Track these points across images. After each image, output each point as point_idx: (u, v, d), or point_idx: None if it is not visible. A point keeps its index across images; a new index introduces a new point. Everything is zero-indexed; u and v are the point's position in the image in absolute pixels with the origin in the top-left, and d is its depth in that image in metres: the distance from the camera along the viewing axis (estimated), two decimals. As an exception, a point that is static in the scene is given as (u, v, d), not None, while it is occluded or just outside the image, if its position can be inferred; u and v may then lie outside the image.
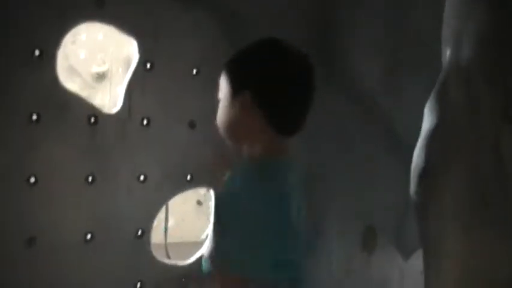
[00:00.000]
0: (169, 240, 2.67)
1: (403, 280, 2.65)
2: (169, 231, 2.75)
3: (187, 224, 3.28)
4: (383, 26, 2.51)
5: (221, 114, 1.63)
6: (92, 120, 1.95)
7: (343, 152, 2.48)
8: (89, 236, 2.00)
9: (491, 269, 1.94)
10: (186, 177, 2.14)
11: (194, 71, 2.13)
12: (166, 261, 2.18)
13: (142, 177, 2.06)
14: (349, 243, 2.53)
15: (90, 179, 1.97)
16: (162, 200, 2.14)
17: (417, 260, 2.49)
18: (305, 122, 1.67)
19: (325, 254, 2.48)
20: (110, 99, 3.13)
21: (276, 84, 1.59)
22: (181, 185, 2.15)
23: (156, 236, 2.28)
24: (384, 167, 2.55)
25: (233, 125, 1.62)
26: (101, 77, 3.28)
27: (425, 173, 2.01)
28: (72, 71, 2.40)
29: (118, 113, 2.02)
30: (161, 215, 2.38)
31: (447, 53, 2.02)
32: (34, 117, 1.86)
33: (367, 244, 2.58)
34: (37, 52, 1.85)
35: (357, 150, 2.51)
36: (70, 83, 2.04)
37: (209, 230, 2.18)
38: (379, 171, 2.54)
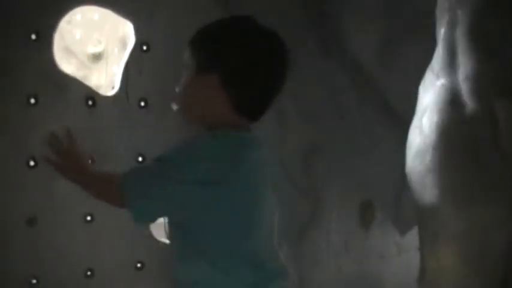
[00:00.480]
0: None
1: (400, 255, 2.69)
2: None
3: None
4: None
5: (182, 90, 1.53)
6: (90, 102, 1.96)
7: (340, 126, 2.49)
8: (89, 218, 2.02)
9: (485, 243, 1.96)
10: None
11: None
12: (166, 241, 2.20)
13: (140, 158, 2.08)
14: (347, 217, 2.56)
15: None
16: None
17: (414, 236, 2.52)
18: (270, 107, 1.58)
19: (322, 227, 2.51)
20: (106, 79, 3.12)
21: (245, 68, 1.52)
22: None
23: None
24: (381, 142, 2.56)
25: (195, 102, 1.53)
26: (96, 57, 3.28)
27: (420, 149, 2.03)
28: (68, 51, 2.40)
29: (115, 95, 2.03)
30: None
31: (441, 30, 2.03)
32: (32, 100, 1.87)
33: (364, 218, 2.61)
34: (34, 36, 1.85)
35: (354, 125, 2.52)
36: (66, 64, 2.04)
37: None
38: (376, 145, 2.56)
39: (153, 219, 1.55)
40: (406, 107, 2.19)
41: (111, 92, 2.03)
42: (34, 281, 1.94)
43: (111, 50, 3.13)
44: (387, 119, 2.57)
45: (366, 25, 2.50)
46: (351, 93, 2.52)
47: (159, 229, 2.46)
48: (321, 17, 2.45)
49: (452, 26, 1.98)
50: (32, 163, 1.90)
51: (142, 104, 2.06)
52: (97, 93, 1.99)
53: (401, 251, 2.68)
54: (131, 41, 2.06)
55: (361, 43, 2.52)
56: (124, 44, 2.20)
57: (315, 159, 2.46)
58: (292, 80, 2.33)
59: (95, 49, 3.18)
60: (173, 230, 1.55)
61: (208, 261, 1.48)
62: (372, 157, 2.57)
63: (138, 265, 2.11)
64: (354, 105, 2.52)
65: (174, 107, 1.54)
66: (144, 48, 2.04)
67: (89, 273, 2.04)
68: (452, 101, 1.98)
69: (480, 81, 1.94)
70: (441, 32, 2.01)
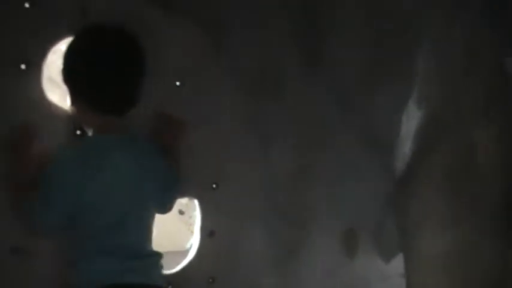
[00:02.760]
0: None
1: (385, 282, 2.69)
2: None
3: (169, 233, 3.28)
4: (365, 20, 2.53)
5: None
6: (78, 132, 1.96)
7: (325, 152, 2.51)
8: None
9: (470, 264, 1.99)
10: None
11: (177, 83, 2.14)
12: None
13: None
14: (331, 245, 2.56)
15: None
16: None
17: (398, 263, 2.54)
18: (131, 100, 1.82)
19: (308, 255, 2.50)
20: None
21: (74, 67, 1.77)
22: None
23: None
24: (364, 170, 2.58)
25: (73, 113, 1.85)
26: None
27: (404, 175, 2.07)
28: (52, 81, 2.40)
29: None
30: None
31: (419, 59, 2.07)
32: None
33: (348, 246, 2.62)
34: (23, 66, 1.86)
35: (339, 151, 2.54)
36: (50, 93, 2.05)
37: (193, 239, 2.21)
38: (359, 173, 2.58)
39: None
40: (390, 134, 2.23)
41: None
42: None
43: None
44: (371, 146, 2.59)
45: (351, 52, 2.53)
46: (337, 120, 2.54)
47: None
48: (306, 43, 2.47)
49: (431, 54, 2.04)
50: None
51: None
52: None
53: (386, 277, 2.68)
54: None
55: (346, 69, 2.54)
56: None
57: (299, 187, 2.47)
58: (278, 108, 2.38)
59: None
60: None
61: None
62: (355, 184, 2.59)
63: None
64: (338, 132, 2.54)
65: None
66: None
67: None
68: (434, 129, 2.03)
69: (460, 111, 2.00)
70: (420, 60, 2.06)
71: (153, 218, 1.95)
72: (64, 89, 2.10)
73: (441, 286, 2.05)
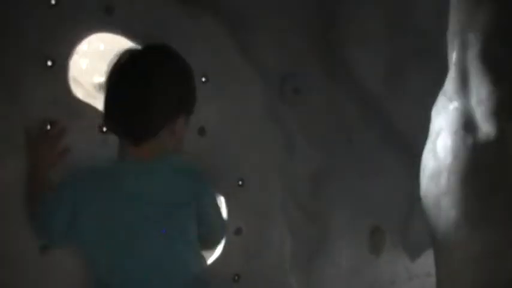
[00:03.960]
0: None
1: (411, 280, 2.67)
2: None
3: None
4: (386, 24, 2.53)
5: None
6: (104, 129, 1.95)
7: (348, 152, 2.50)
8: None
9: (500, 265, 1.96)
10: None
11: (203, 79, 2.14)
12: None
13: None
14: (356, 243, 2.54)
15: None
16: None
17: (424, 261, 2.51)
18: (153, 128, 1.70)
19: (332, 253, 2.49)
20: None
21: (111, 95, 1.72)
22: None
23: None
24: (389, 167, 2.57)
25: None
26: (102, 87, 3.28)
27: (434, 172, 2.03)
28: (75, 81, 2.41)
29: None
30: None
31: (453, 53, 2.05)
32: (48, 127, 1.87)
33: (374, 243, 2.60)
34: (49, 63, 1.85)
35: (362, 150, 2.53)
36: (75, 91, 2.05)
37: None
38: (384, 170, 2.57)
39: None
40: (414, 131, 2.21)
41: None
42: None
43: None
44: (395, 143, 2.58)
45: (371, 51, 2.53)
46: (359, 119, 2.53)
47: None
48: (327, 45, 2.47)
49: (464, 49, 2.00)
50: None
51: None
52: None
53: (412, 276, 2.66)
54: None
55: (368, 69, 2.54)
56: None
57: (323, 185, 2.46)
58: (301, 107, 2.38)
59: (100, 79, 3.19)
60: None
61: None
62: (380, 182, 2.58)
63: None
64: (361, 130, 2.53)
65: None
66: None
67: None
68: (465, 124, 1.99)
69: (492, 105, 1.96)
70: (453, 56, 2.03)
71: (184, 248, 1.81)
72: (86, 88, 2.09)
73: (471, 286, 2.01)
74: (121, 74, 1.67)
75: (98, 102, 2.07)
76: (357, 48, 2.50)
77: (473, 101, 1.97)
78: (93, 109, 1.95)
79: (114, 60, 1.69)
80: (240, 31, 2.24)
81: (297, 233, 2.41)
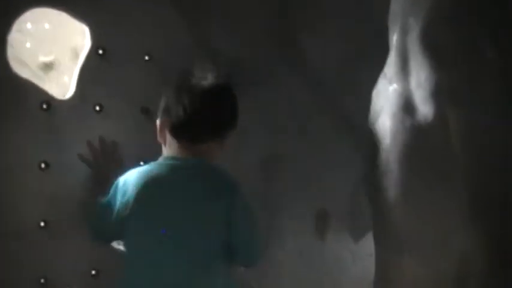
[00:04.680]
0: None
1: (355, 263, 2.70)
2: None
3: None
4: (339, 13, 2.53)
5: None
6: (45, 106, 1.94)
7: (301, 137, 2.51)
8: (42, 224, 1.98)
9: (441, 244, 1.99)
10: (140, 162, 2.14)
11: (146, 57, 2.13)
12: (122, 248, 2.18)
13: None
14: (302, 226, 2.56)
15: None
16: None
17: (368, 243, 2.55)
18: (205, 135, 1.88)
19: (279, 237, 2.51)
20: (57, 89, 3.08)
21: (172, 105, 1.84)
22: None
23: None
24: (340, 153, 2.58)
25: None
26: (48, 67, 3.24)
27: (374, 153, 2.06)
28: (19, 61, 2.37)
29: (70, 99, 2.00)
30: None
31: (394, 36, 2.07)
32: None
33: (320, 227, 2.62)
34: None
35: (314, 136, 2.54)
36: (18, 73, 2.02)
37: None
38: (336, 157, 2.58)
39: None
40: (360, 118, 2.23)
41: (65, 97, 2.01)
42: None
43: (63, 59, 3.09)
44: (347, 130, 2.60)
45: (325, 39, 2.53)
46: (312, 106, 2.54)
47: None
48: (280, 33, 2.47)
49: (404, 33, 2.03)
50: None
51: (98, 108, 2.04)
52: (52, 98, 1.97)
53: (357, 258, 2.69)
54: (86, 46, 2.05)
55: (321, 57, 2.54)
56: (76, 54, 2.19)
57: (273, 170, 2.47)
58: (249, 94, 2.38)
59: (45, 59, 3.14)
60: None
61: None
62: (330, 167, 2.59)
63: (93, 272, 2.08)
64: (314, 117, 2.54)
65: None
66: (100, 52, 2.03)
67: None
68: (404, 106, 2.02)
69: (431, 87, 2.00)
70: (393, 38, 2.05)
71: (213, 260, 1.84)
72: (31, 67, 2.08)
73: (410, 267, 2.04)
74: (200, 98, 1.85)
75: (43, 82, 2.06)
76: (310, 36, 2.51)
77: (413, 83, 2.00)
78: (37, 89, 1.94)
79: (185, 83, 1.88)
80: (192, 14, 2.23)
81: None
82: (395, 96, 2.01)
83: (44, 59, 3.13)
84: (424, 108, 1.98)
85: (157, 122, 1.86)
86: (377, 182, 2.05)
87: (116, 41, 2.07)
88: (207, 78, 1.88)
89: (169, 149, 1.86)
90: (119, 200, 1.79)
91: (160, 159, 1.87)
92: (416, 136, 1.98)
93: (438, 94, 1.98)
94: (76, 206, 2.01)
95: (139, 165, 2.10)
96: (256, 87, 2.41)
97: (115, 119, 2.09)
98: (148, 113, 2.14)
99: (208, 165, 1.88)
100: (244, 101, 2.34)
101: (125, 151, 2.11)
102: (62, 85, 2.63)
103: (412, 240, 2.02)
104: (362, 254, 2.67)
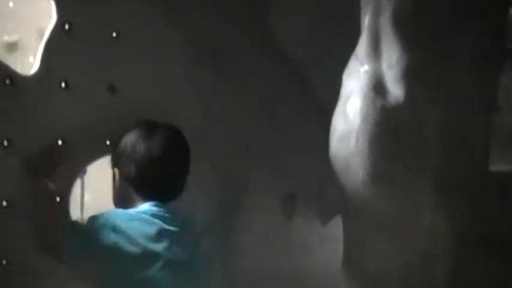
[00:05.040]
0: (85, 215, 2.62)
1: (322, 246, 2.71)
2: (85, 205, 2.70)
3: (105, 198, 3.22)
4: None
5: None
6: (8, 81, 1.88)
7: (270, 118, 2.50)
8: (4, 203, 1.93)
9: (409, 224, 2.00)
10: (105, 142, 2.10)
11: (114, 34, 2.09)
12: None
13: (60, 142, 2.01)
14: (269, 208, 2.55)
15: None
16: (80, 165, 2.11)
17: (335, 226, 2.55)
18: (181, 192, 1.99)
19: (245, 218, 2.50)
20: (21, 69, 3.01)
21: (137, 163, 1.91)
22: (100, 150, 2.11)
23: (73, 212, 2.24)
24: (304, 134, 2.58)
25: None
26: (12, 46, 3.16)
27: (344, 134, 2.06)
28: (-19, 40, 2.31)
29: (35, 75, 1.96)
30: (77, 190, 2.33)
31: (366, 18, 2.07)
32: None
33: (286, 209, 2.62)
34: None
35: (283, 117, 2.53)
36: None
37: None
38: (300, 137, 2.58)
39: None
40: (331, 99, 2.22)
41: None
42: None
43: (28, 39, 3.02)
44: (317, 111, 2.59)
45: (295, 18, 2.52)
46: (281, 86, 2.53)
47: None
48: (251, 14, 2.45)
49: (376, 14, 2.03)
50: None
51: (63, 85, 2.00)
52: (15, 73, 1.92)
53: (324, 241, 2.70)
54: (50, 25, 2.00)
55: (291, 37, 2.53)
56: (42, 34, 2.14)
57: (241, 154, 2.45)
58: (217, 73, 2.36)
59: (9, 38, 3.06)
60: None
61: None
62: (299, 148, 2.59)
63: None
64: (283, 98, 2.53)
65: None
66: (66, 27, 1.98)
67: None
68: (375, 87, 2.02)
69: (402, 69, 2.00)
70: (365, 20, 2.05)
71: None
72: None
73: (379, 248, 2.05)
74: (160, 153, 1.92)
75: (6, 62, 2.02)
76: (281, 16, 2.49)
77: (384, 64, 2.01)
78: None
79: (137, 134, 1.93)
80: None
81: (213, 199, 2.40)
82: (367, 77, 2.01)
83: (8, 38, 3.05)
84: (395, 89, 1.99)
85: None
86: (347, 162, 2.04)
87: (83, 16, 2.02)
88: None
89: None
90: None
91: None
92: (387, 117, 1.99)
93: (409, 75, 1.99)
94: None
95: (107, 146, 2.08)
96: (225, 69, 2.39)
97: (81, 96, 2.04)
98: (114, 91, 2.10)
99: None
100: (214, 81, 2.34)
101: (91, 129, 2.07)
102: (27, 65, 2.58)
103: (380, 221, 2.03)
104: (329, 237, 2.67)
